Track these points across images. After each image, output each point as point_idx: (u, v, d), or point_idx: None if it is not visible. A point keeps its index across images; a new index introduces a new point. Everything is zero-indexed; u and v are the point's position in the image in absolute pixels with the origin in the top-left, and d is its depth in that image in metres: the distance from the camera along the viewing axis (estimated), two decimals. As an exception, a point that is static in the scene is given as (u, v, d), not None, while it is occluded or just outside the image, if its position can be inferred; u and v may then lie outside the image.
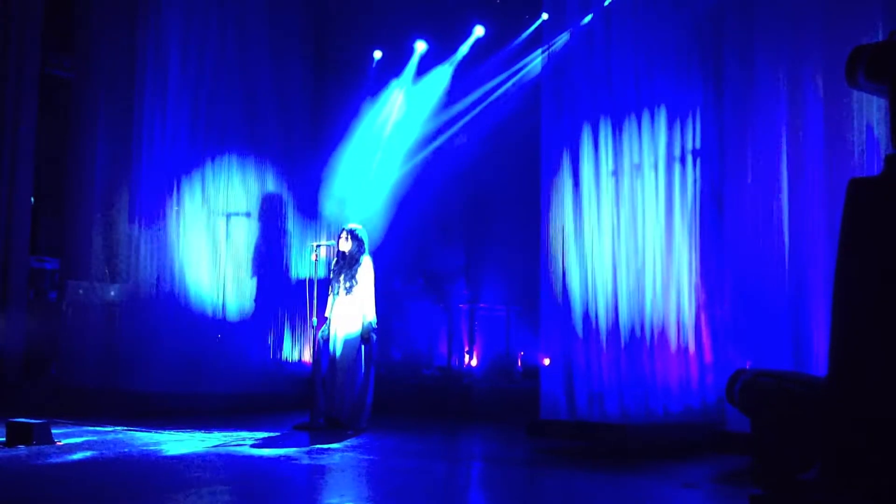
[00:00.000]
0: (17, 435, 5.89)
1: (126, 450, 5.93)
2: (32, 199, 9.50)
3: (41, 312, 9.49)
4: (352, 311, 7.22)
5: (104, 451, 5.82)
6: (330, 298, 7.36)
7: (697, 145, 6.71)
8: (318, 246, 7.59)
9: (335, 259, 7.49)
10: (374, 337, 7.31)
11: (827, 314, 5.32)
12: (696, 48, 6.75)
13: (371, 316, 7.24)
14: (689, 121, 6.73)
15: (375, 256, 7.53)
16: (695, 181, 6.70)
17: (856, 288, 3.05)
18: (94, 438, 6.38)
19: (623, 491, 4.97)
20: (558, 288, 6.96)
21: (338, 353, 7.20)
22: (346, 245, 7.35)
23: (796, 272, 5.69)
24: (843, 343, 3.04)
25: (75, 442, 6.15)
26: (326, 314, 7.34)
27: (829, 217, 5.51)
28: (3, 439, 5.92)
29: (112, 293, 9.12)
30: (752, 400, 3.34)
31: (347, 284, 7.26)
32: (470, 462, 6.29)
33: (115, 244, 9.17)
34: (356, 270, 7.28)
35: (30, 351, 9.04)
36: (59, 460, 5.46)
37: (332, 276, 7.41)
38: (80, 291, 9.18)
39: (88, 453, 5.73)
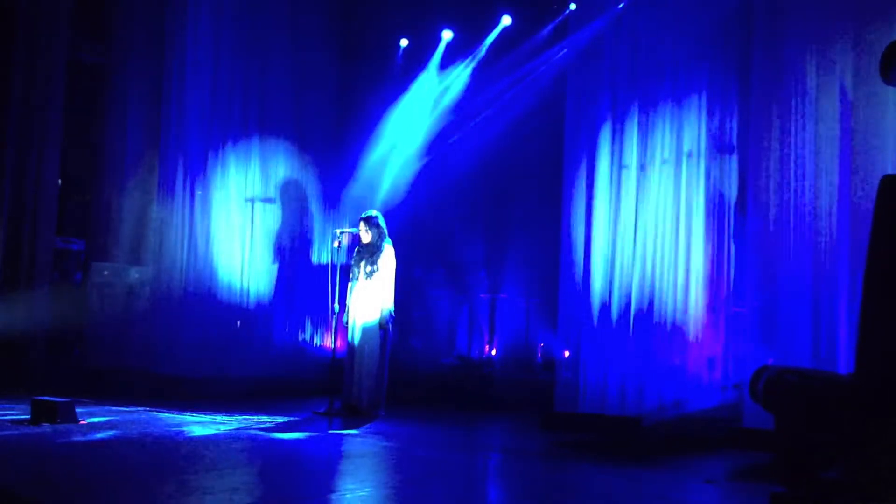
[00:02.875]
0: (42, 413, 5.98)
1: (148, 430, 6.00)
2: (59, 181, 9.60)
3: (66, 293, 9.60)
4: (371, 299, 7.23)
5: (127, 431, 5.89)
6: (350, 284, 7.38)
7: (724, 140, 6.64)
8: (342, 233, 7.60)
9: (357, 247, 7.50)
10: (391, 326, 7.32)
11: (853, 313, 5.30)
12: (723, 41, 6.68)
13: (389, 304, 7.25)
14: (715, 115, 6.67)
15: (396, 245, 7.54)
16: (719, 175, 6.64)
17: (886, 284, 3.01)
18: (118, 418, 6.46)
19: (642, 486, 4.95)
20: (578, 280, 6.95)
21: (356, 342, 7.22)
22: (367, 235, 7.37)
23: (822, 269, 5.63)
24: (870, 339, 3.01)
25: (99, 421, 6.23)
26: (347, 301, 7.37)
27: (855, 214, 5.44)
28: (28, 417, 6.01)
29: (136, 275, 9.21)
30: (777, 396, 3.31)
31: (368, 269, 7.27)
32: (487, 452, 6.30)
33: (140, 227, 9.27)
34: (378, 257, 7.29)
35: (54, 331, 9.15)
36: (82, 439, 5.53)
37: (353, 262, 7.43)
38: (105, 273, 9.28)
39: (111, 432, 5.80)
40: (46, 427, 5.82)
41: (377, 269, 7.26)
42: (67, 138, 9.58)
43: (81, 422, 6.06)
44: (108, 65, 9.77)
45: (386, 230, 7.43)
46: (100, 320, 9.15)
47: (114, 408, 6.95)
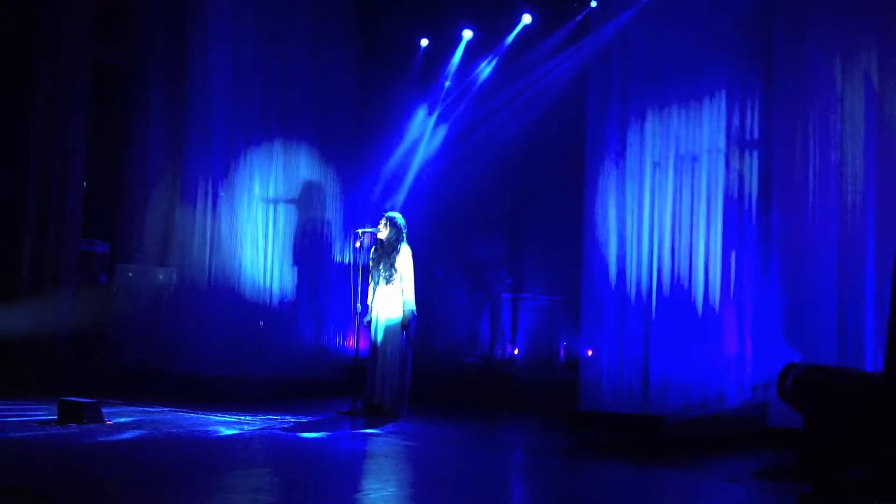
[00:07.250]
0: (69, 413, 6.05)
1: (173, 430, 6.05)
2: (84, 184, 9.69)
3: (91, 295, 9.69)
4: (393, 299, 7.24)
5: (152, 431, 5.94)
6: (370, 286, 7.40)
7: (746, 136, 6.58)
8: (364, 233, 7.61)
9: (374, 247, 7.51)
10: (413, 325, 7.31)
11: (881, 311, 5.23)
12: (745, 38, 6.60)
13: (411, 303, 7.26)
14: (737, 112, 6.60)
15: (417, 245, 7.53)
16: (742, 172, 6.57)
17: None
18: (143, 418, 6.52)
19: (665, 485, 4.92)
20: (600, 279, 6.92)
21: (379, 341, 7.24)
22: (383, 231, 7.37)
23: (849, 266, 5.57)
24: (899, 339, 2.97)
25: (124, 421, 6.29)
26: (368, 302, 7.38)
27: (882, 212, 5.38)
28: (56, 417, 6.08)
29: (161, 277, 9.28)
30: (804, 395, 3.28)
31: (387, 273, 7.28)
32: (510, 452, 6.28)
33: (164, 228, 9.35)
34: (394, 258, 7.29)
35: (80, 332, 9.24)
36: (108, 439, 5.58)
37: (371, 264, 7.44)
38: (130, 274, 9.37)
39: (137, 432, 5.85)
40: (73, 427, 5.89)
41: (395, 271, 7.26)
42: (91, 140, 9.67)
43: (107, 422, 6.12)
44: (130, 67, 9.86)
45: (405, 233, 7.41)
46: (125, 321, 9.24)
47: (139, 408, 7.02)
